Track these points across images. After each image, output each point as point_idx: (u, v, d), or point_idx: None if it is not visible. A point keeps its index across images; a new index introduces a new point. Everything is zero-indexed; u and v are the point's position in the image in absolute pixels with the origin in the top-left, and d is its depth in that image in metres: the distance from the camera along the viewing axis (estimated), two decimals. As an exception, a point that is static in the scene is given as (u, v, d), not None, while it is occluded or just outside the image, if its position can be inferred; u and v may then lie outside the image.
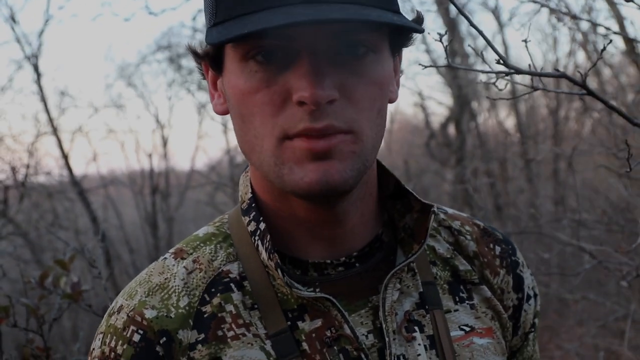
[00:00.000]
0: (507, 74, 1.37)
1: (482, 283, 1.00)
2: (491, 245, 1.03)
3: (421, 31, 0.79)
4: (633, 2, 1.93)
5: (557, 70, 1.34)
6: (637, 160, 1.43)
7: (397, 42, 0.88)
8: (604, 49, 1.41)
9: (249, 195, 0.93)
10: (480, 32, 1.41)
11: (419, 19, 0.87)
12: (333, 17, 0.71)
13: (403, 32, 0.86)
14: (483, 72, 1.45)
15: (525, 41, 1.43)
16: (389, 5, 0.80)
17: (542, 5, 2.63)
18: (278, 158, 0.80)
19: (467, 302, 0.97)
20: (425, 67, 1.44)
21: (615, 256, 2.47)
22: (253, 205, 0.91)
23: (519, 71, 1.36)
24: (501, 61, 1.34)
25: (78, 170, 9.58)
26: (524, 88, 1.43)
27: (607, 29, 3.19)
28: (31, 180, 7.35)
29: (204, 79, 0.94)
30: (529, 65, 1.38)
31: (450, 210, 1.07)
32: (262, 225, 0.88)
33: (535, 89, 1.45)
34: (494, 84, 1.48)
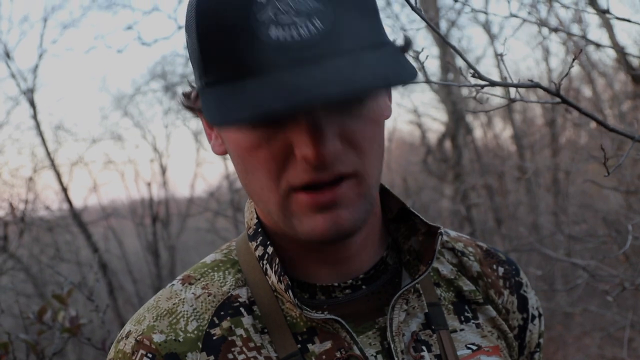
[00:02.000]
0: (482, 86, 1.40)
1: (487, 303, 1.00)
2: (494, 267, 1.04)
3: (414, 78, 0.74)
4: (609, 12, 1.97)
5: (531, 81, 1.37)
6: (619, 162, 1.45)
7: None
8: (575, 58, 1.43)
9: (255, 220, 0.94)
10: (454, 48, 1.44)
11: (407, 44, 0.86)
12: (334, 94, 0.68)
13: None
14: (460, 85, 1.48)
15: (501, 55, 1.46)
16: (380, 39, 0.79)
17: (525, 20, 2.67)
18: (286, 210, 0.81)
19: (472, 321, 0.98)
20: (412, 82, 1.48)
21: (607, 269, 2.48)
22: (259, 230, 0.92)
23: (493, 83, 1.39)
24: (476, 75, 1.37)
25: (78, 202, 9.60)
26: (504, 100, 1.46)
27: (597, 45, 3.22)
28: (31, 215, 7.36)
29: (197, 117, 0.93)
30: (505, 77, 1.40)
31: (452, 233, 1.08)
32: (270, 249, 0.89)
33: (512, 100, 1.47)
34: (474, 97, 1.51)
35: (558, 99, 1.32)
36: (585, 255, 3.76)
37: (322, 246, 0.88)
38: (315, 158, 0.74)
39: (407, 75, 0.73)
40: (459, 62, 7.86)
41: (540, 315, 1.08)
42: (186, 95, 0.92)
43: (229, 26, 0.74)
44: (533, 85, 1.32)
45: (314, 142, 0.74)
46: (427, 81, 1.45)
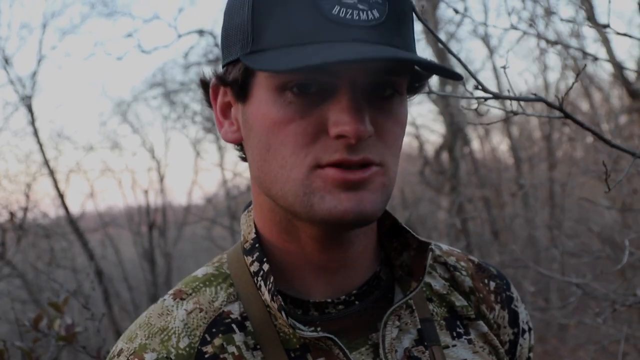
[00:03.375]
0: (486, 99, 1.41)
1: (479, 318, 1.01)
2: (486, 281, 1.05)
3: (459, 78, 0.83)
4: (609, 27, 1.98)
5: (534, 95, 1.37)
6: (619, 179, 1.46)
7: (412, 88, 0.92)
8: (579, 74, 1.45)
9: (253, 235, 0.93)
10: (459, 59, 1.44)
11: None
12: (401, 57, 0.75)
13: (430, 74, 0.91)
14: (463, 97, 1.48)
15: (504, 67, 1.47)
16: (414, 49, 0.86)
17: (525, 33, 2.69)
18: (307, 187, 0.80)
19: (464, 337, 0.98)
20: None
21: (600, 288, 2.48)
22: (257, 245, 0.92)
23: (497, 96, 1.40)
24: (480, 87, 1.37)
25: (75, 208, 9.59)
26: (508, 114, 1.46)
27: (595, 58, 3.24)
28: (28, 222, 7.35)
29: (209, 106, 0.94)
30: (508, 90, 1.41)
31: (445, 247, 1.09)
32: (266, 267, 0.89)
33: (514, 113, 1.48)
34: (475, 110, 1.52)
35: (560, 113, 1.33)
36: (580, 270, 3.76)
37: (320, 236, 0.88)
38: (354, 135, 0.76)
39: (451, 70, 0.81)
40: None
41: (530, 329, 1.09)
42: (205, 80, 0.93)
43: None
44: (536, 99, 1.33)
45: (355, 119, 0.77)
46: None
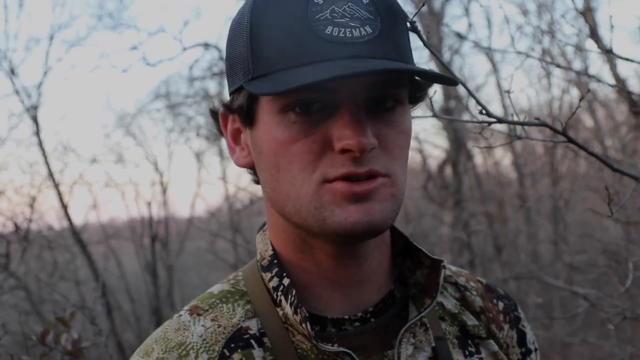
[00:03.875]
0: (489, 123, 1.43)
1: (489, 337, 1.02)
2: (495, 301, 1.07)
3: (456, 83, 0.87)
4: (612, 53, 2.00)
5: (538, 119, 1.39)
6: (621, 203, 1.48)
7: (413, 98, 0.94)
8: (582, 98, 1.46)
9: (270, 252, 0.95)
10: (464, 85, 1.46)
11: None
12: (392, 67, 0.79)
13: (431, 83, 0.93)
14: (467, 122, 1.50)
15: (508, 92, 1.48)
16: (411, 59, 0.88)
17: (528, 56, 2.71)
18: (318, 202, 0.83)
19: (476, 355, 0.99)
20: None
21: (608, 299, 2.49)
22: (275, 262, 0.94)
23: (501, 121, 1.42)
24: (484, 112, 1.39)
25: (78, 219, 9.59)
26: (510, 137, 1.48)
27: (598, 79, 3.26)
28: (32, 233, 7.35)
29: (221, 134, 0.97)
30: (511, 114, 1.43)
31: (453, 267, 1.11)
32: (286, 281, 0.90)
33: (518, 137, 1.49)
34: (479, 133, 1.53)
35: (564, 138, 1.35)
36: (585, 286, 3.76)
37: (335, 251, 0.90)
38: (357, 148, 0.79)
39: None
40: (460, 90, 7.91)
41: (536, 349, 1.10)
42: (214, 110, 0.97)
43: (284, 22, 0.81)
44: (540, 124, 1.35)
45: (357, 133, 0.79)
46: (435, 115, 1.48)
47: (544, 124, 1.35)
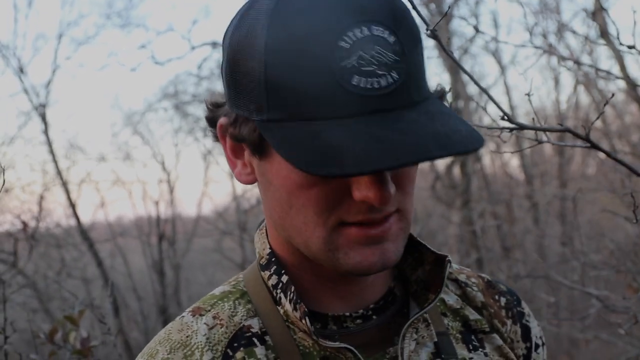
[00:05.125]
0: (511, 129, 1.40)
1: (493, 332, 1.02)
2: (497, 297, 1.06)
3: (480, 147, 0.77)
4: (635, 48, 1.98)
5: (561, 125, 1.37)
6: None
7: None
8: (606, 103, 1.44)
9: (267, 250, 0.95)
10: (485, 91, 1.44)
11: (444, 93, 0.90)
12: (436, 155, 0.72)
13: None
14: (489, 128, 1.47)
15: (528, 94, 1.46)
16: (427, 84, 0.83)
17: (544, 51, 2.69)
18: (331, 244, 0.82)
19: (480, 350, 0.99)
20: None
21: (620, 300, 2.48)
22: (273, 259, 0.93)
23: (523, 127, 1.39)
24: (505, 117, 1.37)
25: (86, 218, 9.62)
26: (529, 141, 1.45)
27: (608, 72, 3.24)
28: (40, 231, 7.37)
29: (216, 140, 0.92)
30: (533, 119, 1.41)
31: (455, 265, 1.10)
32: (285, 278, 0.90)
33: (539, 142, 1.47)
34: (498, 136, 1.51)
35: (587, 143, 1.33)
36: (597, 286, 3.74)
37: (344, 278, 0.89)
38: (379, 202, 0.77)
39: (481, 139, 0.77)
40: (469, 89, 7.90)
41: (543, 344, 1.10)
42: (210, 119, 0.92)
43: (308, 65, 0.74)
44: (562, 129, 1.33)
45: (378, 186, 0.77)
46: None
47: (568, 130, 1.34)
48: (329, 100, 0.74)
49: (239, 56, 0.81)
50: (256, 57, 0.77)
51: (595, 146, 1.33)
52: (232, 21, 0.85)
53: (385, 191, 0.77)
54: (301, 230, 0.83)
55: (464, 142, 0.74)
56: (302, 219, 0.82)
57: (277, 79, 0.76)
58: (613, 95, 1.32)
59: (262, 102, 0.78)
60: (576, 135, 1.33)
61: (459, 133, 0.75)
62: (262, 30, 0.77)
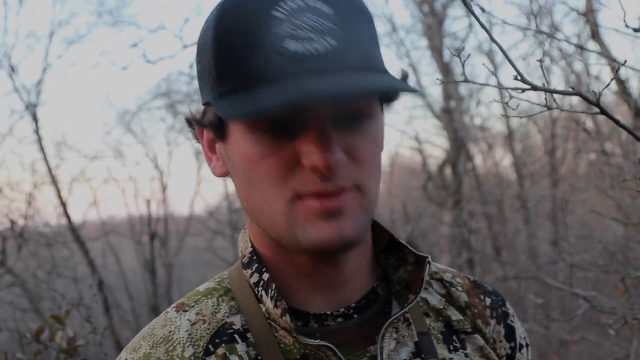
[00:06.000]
0: (523, 90, 1.38)
1: (475, 332, 1.03)
2: (481, 297, 1.07)
3: (415, 91, 0.82)
4: (625, 65, 1.96)
5: (573, 89, 1.35)
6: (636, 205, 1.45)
7: (385, 100, 0.93)
8: (618, 70, 1.42)
9: (249, 249, 0.96)
10: (501, 47, 1.40)
11: (405, 77, 0.92)
12: (351, 91, 0.75)
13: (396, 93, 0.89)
14: (499, 87, 1.45)
15: (540, 60, 1.43)
16: (382, 66, 0.86)
17: (543, 40, 2.68)
18: (290, 218, 0.83)
19: (461, 350, 1.00)
20: (432, 115, 1.47)
21: (607, 301, 2.48)
22: (254, 258, 0.94)
23: (535, 87, 1.37)
24: (519, 77, 1.34)
25: (77, 216, 9.59)
26: (539, 107, 1.42)
27: (596, 77, 3.24)
28: (29, 230, 7.35)
29: (198, 141, 0.97)
30: (543, 84, 1.38)
31: (440, 265, 1.11)
32: (266, 276, 0.91)
33: (549, 107, 1.44)
34: (506, 103, 1.49)
35: (597, 110, 1.31)
36: (585, 286, 3.76)
37: (319, 262, 0.90)
38: (323, 165, 0.78)
39: (409, 87, 0.81)
40: (462, 90, 7.91)
41: (527, 345, 1.11)
42: (190, 119, 0.96)
43: (245, 38, 0.79)
44: (574, 93, 1.31)
45: (323, 150, 0.79)
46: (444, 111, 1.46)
47: (578, 93, 1.31)
48: (266, 66, 0.78)
49: (200, 51, 0.87)
50: (208, 43, 0.84)
51: (604, 112, 1.30)
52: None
53: (330, 156, 0.78)
54: (263, 208, 0.85)
55: (383, 84, 0.79)
56: (261, 195, 0.84)
57: (222, 58, 0.82)
58: (625, 61, 1.30)
59: (213, 83, 0.84)
60: (587, 99, 1.30)
61: (386, 81, 0.81)
62: (211, 21, 0.84)
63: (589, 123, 8.23)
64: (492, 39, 1.35)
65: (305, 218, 0.82)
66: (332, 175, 0.80)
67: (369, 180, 0.86)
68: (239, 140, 0.85)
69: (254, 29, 0.79)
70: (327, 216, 0.82)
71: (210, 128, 0.90)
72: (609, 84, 1.33)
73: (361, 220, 0.85)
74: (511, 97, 1.41)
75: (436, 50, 7.71)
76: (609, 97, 7.31)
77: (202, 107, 0.92)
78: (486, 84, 1.52)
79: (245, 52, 0.79)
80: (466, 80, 1.42)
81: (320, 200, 0.81)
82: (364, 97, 0.82)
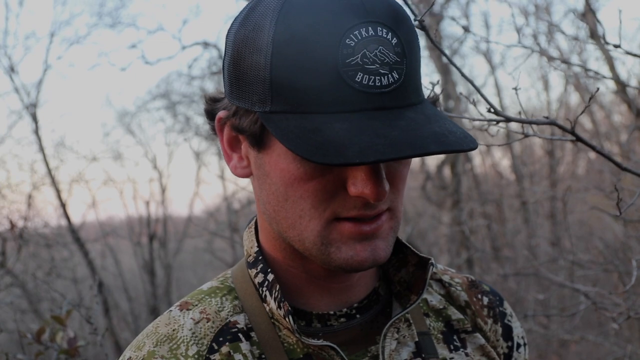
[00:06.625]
0: (498, 122, 1.41)
1: (475, 331, 1.04)
2: (479, 296, 1.08)
3: (475, 148, 0.81)
4: (620, 47, 1.99)
5: (547, 118, 1.38)
6: (630, 202, 1.46)
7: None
8: (592, 97, 1.45)
9: (255, 249, 0.97)
10: (471, 82, 1.44)
11: (436, 99, 0.94)
12: (430, 151, 0.75)
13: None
14: (475, 119, 1.48)
15: (515, 89, 1.46)
16: (423, 93, 0.86)
17: (533, 51, 2.70)
18: (325, 238, 0.84)
19: (461, 350, 1.01)
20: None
21: (610, 297, 2.49)
22: (260, 258, 0.95)
23: (509, 119, 1.40)
24: (492, 110, 1.37)
25: (76, 218, 9.58)
26: (517, 134, 1.46)
27: (597, 73, 3.25)
28: (29, 231, 7.34)
29: (214, 133, 0.94)
30: (519, 112, 1.41)
31: (440, 266, 1.12)
32: (271, 277, 0.92)
33: (526, 135, 1.48)
34: (486, 130, 1.52)
35: (572, 137, 1.34)
36: (585, 284, 3.76)
37: (332, 274, 0.92)
38: (374, 197, 0.79)
39: (474, 141, 0.81)
40: (460, 90, 7.91)
41: (525, 344, 1.12)
42: (209, 112, 0.93)
43: (313, 61, 0.77)
44: (548, 122, 1.33)
45: (374, 182, 0.79)
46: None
47: (554, 123, 1.34)
48: (332, 95, 0.77)
49: (244, 50, 0.83)
50: (262, 51, 0.80)
51: (580, 139, 1.33)
52: (236, 19, 0.88)
53: (380, 187, 0.79)
54: (295, 224, 0.85)
55: (460, 142, 0.78)
56: (297, 211, 0.84)
57: (281, 72, 0.79)
58: (598, 89, 1.32)
59: (265, 95, 0.81)
60: (562, 128, 1.33)
61: (454, 134, 0.79)
62: (269, 26, 0.80)
63: (586, 123, 8.24)
64: (462, 75, 1.37)
65: (340, 240, 0.84)
66: (377, 205, 0.82)
67: (399, 202, 0.88)
68: (282, 156, 0.83)
69: (324, 55, 0.77)
70: (362, 239, 0.84)
71: (249, 135, 0.86)
72: (583, 111, 1.36)
73: (391, 241, 0.87)
74: (489, 125, 1.43)
75: (434, 51, 7.71)
76: (608, 97, 7.32)
77: (226, 102, 0.90)
78: (464, 117, 1.54)
79: (311, 75, 0.77)
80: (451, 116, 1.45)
81: (358, 224, 0.83)
82: (437, 153, 0.80)
